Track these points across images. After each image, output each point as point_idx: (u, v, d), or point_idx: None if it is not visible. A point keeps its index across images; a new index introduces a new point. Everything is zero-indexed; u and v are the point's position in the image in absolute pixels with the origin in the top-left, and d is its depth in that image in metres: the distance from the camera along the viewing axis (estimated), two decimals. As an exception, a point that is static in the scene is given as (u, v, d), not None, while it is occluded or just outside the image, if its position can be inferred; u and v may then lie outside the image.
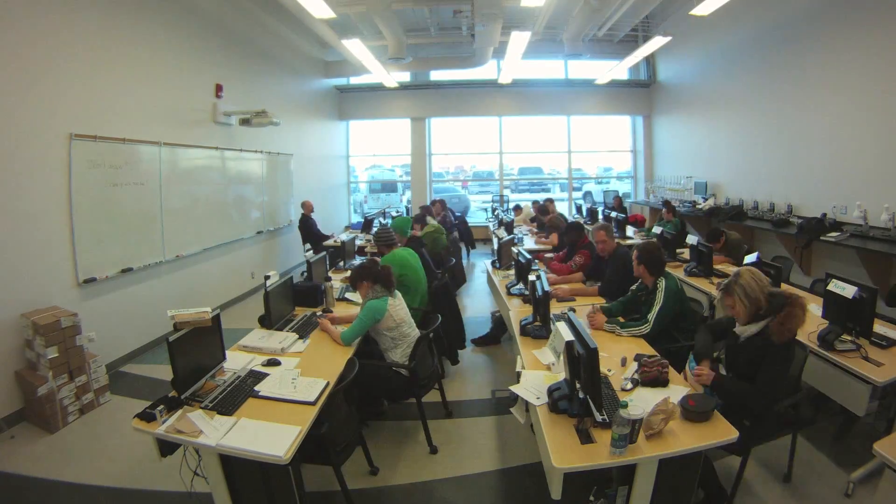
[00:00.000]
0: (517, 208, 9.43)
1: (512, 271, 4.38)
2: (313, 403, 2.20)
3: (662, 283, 3.00)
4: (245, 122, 6.25)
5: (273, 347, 2.87)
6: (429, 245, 5.62)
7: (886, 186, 4.82)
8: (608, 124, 11.62)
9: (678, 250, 5.19)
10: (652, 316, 2.91)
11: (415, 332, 3.10)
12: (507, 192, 12.11)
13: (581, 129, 11.33)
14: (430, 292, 4.01)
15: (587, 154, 12.50)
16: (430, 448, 3.02)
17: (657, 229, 5.88)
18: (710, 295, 3.97)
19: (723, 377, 2.27)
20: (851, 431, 2.95)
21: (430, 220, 6.46)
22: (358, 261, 5.20)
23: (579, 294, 3.88)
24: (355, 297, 4.11)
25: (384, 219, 8.29)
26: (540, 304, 3.03)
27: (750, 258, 3.71)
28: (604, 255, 4.06)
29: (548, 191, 13.67)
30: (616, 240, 4.22)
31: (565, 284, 4.05)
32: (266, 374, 2.53)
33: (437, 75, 10.73)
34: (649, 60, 10.19)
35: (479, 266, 7.27)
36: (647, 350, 2.68)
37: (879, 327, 2.76)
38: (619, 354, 2.60)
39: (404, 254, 4.14)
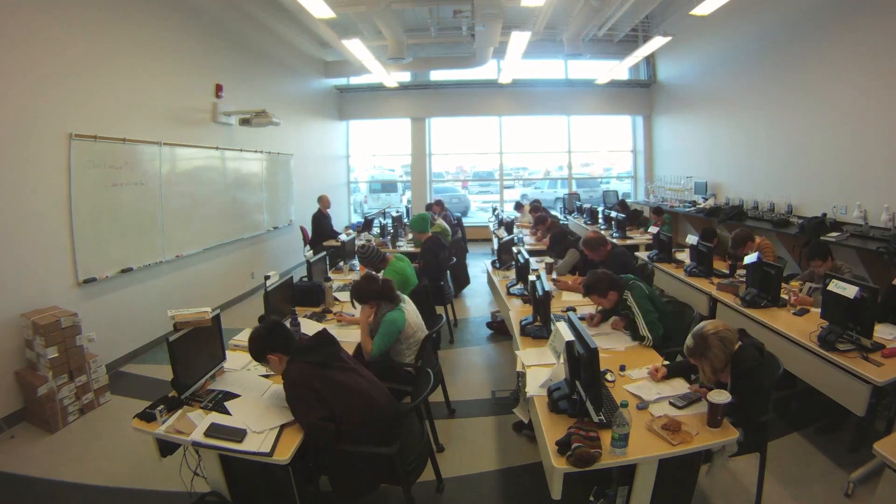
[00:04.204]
0: (519, 206, 9.44)
1: (512, 271, 4.38)
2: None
3: (629, 297, 2.96)
4: (245, 122, 6.25)
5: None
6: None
7: (886, 186, 4.82)
8: (608, 124, 11.62)
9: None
10: (643, 329, 2.85)
11: (425, 333, 3.10)
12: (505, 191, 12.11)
13: (581, 129, 11.34)
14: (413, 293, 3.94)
15: (588, 154, 12.54)
16: (437, 447, 3.01)
17: (653, 230, 5.89)
18: (711, 295, 3.98)
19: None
20: (840, 429, 2.96)
21: (438, 220, 6.49)
22: (358, 261, 5.20)
23: (578, 290, 3.89)
24: (345, 295, 4.11)
25: (384, 219, 8.29)
26: (540, 304, 3.03)
27: (750, 258, 3.70)
28: (601, 260, 4.08)
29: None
30: (614, 240, 4.22)
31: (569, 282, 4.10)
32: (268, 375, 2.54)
33: (437, 75, 10.72)
34: (649, 60, 10.18)
35: (479, 266, 7.26)
36: (655, 358, 2.67)
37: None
38: (620, 359, 2.61)
39: (402, 266, 4.13)
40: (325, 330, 2.29)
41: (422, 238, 5.37)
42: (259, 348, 2.20)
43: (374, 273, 3.32)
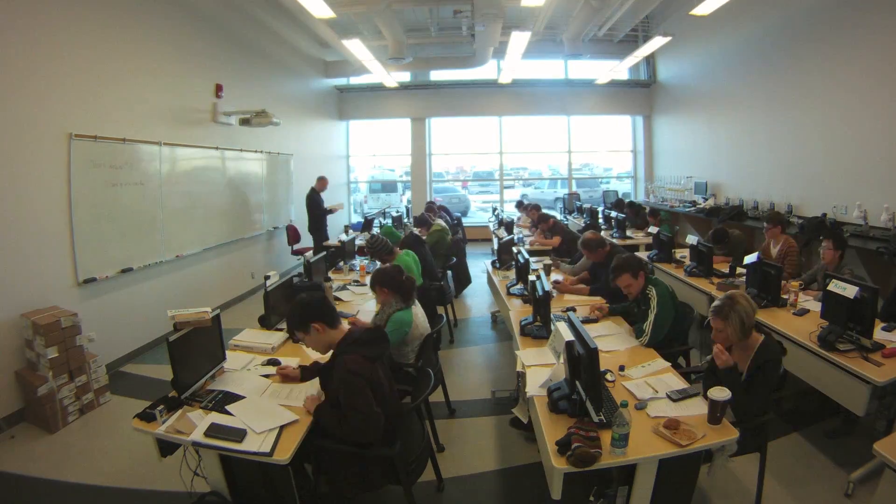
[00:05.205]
0: (520, 204, 9.41)
1: (512, 271, 4.38)
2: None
3: (653, 291, 2.94)
4: (245, 122, 6.25)
5: (264, 346, 2.89)
6: (433, 244, 5.64)
7: (886, 186, 4.81)
8: (608, 124, 11.63)
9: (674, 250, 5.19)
10: (648, 325, 2.84)
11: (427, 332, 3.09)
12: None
13: (581, 129, 11.34)
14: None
15: (588, 154, 12.56)
16: (437, 446, 3.02)
17: (653, 229, 5.89)
18: (711, 295, 3.97)
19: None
20: (851, 433, 2.95)
21: (437, 220, 6.51)
22: (358, 261, 5.21)
23: (577, 293, 3.93)
24: (346, 294, 4.12)
25: (384, 219, 8.29)
26: (540, 304, 3.03)
27: (750, 258, 3.70)
28: (598, 261, 4.09)
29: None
30: (614, 240, 4.22)
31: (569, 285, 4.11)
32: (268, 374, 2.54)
33: (437, 75, 10.72)
34: (649, 60, 10.18)
35: (479, 266, 7.26)
36: (654, 357, 2.67)
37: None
38: (620, 359, 2.62)
39: (406, 258, 4.17)
40: (380, 327, 2.28)
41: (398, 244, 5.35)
42: (307, 314, 2.14)
43: (399, 266, 3.27)
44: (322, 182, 7.34)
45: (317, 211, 7.22)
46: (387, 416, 2.10)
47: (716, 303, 2.31)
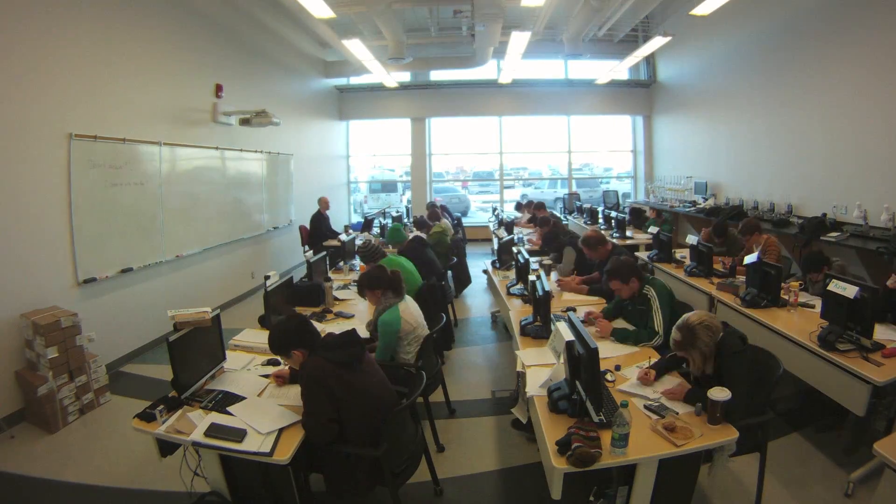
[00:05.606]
0: (520, 206, 9.41)
1: (512, 271, 4.38)
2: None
3: (652, 291, 2.93)
4: (245, 122, 6.25)
5: (264, 346, 2.88)
6: (433, 245, 5.64)
7: (886, 186, 4.82)
8: (608, 124, 11.63)
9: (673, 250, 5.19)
10: (659, 325, 2.83)
11: (426, 331, 3.09)
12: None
13: (581, 129, 11.34)
14: (419, 292, 3.95)
15: (588, 154, 12.56)
16: (438, 447, 3.02)
17: (653, 229, 5.88)
18: (710, 294, 3.97)
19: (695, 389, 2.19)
20: (863, 441, 2.94)
21: (443, 220, 6.52)
22: (358, 261, 5.21)
23: (577, 292, 3.93)
24: (346, 294, 4.12)
25: (384, 219, 8.29)
26: (540, 304, 3.03)
27: (750, 258, 3.70)
28: (601, 259, 4.09)
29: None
30: (614, 241, 4.22)
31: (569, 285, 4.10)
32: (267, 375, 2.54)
33: (437, 75, 10.72)
34: (649, 60, 10.19)
35: (479, 266, 7.26)
36: (648, 356, 2.67)
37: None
38: (619, 359, 2.61)
39: (398, 260, 4.14)
40: (353, 330, 2.25)
41: (404, 245, 5.36)
42: (287, 342, 2.15)
43: (381, 265, 3.29)
44: (324, 202, 7.42)
45: (323, 229, 7.26)
46: (374, 418, 2.08)
47: (674, 335, 2.23)
